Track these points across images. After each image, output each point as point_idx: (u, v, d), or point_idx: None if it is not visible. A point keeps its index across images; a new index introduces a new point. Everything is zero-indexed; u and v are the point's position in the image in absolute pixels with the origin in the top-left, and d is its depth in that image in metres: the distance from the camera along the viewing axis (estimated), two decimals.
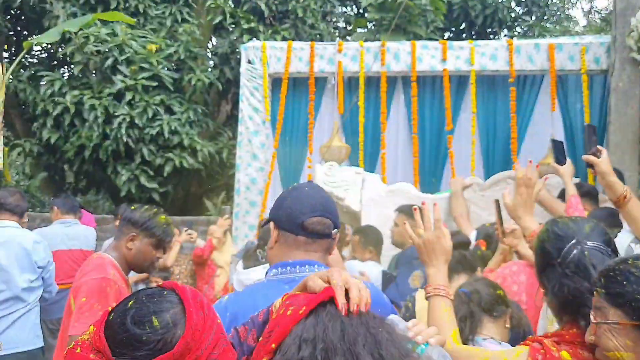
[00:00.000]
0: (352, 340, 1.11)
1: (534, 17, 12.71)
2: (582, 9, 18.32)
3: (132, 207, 3.06)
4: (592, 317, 1.34)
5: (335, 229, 1.87)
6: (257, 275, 3.03)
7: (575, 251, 1.58)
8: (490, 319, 2.33)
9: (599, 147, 2.61)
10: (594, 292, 1.37)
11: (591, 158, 2.54)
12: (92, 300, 2.59)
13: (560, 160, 3.47)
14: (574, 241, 1.60)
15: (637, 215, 2.42)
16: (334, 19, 11.56)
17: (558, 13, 14.04)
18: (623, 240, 2.53)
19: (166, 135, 8.70)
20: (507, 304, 2.39)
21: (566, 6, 14.88)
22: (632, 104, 5.79)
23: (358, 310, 1.16)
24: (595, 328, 1.32)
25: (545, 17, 13.23)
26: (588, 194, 3.94)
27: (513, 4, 11.39)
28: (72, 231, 5.70)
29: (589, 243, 1.59)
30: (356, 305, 1.17)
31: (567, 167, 3.45)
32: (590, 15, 18.28)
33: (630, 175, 5.68)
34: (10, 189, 5.42)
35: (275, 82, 7.28)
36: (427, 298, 1.96)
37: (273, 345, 1.16)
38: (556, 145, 3.54)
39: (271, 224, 1.89)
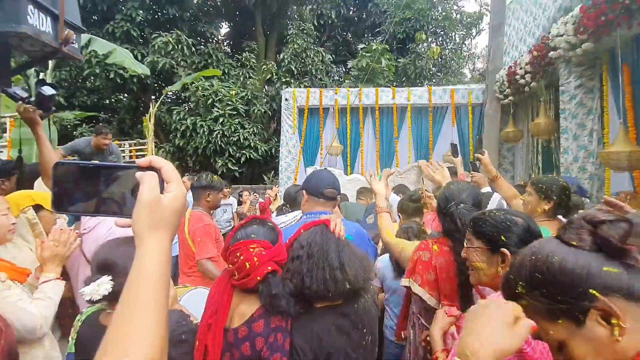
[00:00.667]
0: (326, 242, 1.17)
1: (441, 74, 12.61)
2: (469, 68, 18.08)
3: (196, 178, 2.80)
4: (465, 244, 1.24)
5: (338, 195, 1.84)
6: (282, 219, 2.80)
7: (452, 209, 1.50)
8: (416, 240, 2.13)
9: (483, 150, 2.68)
10: (467, 230, 1.26)
11: (479, 155, 2.58)
12: (205, 239, 2.47)
13: (455, 155, 3.43)
14: (452, 203, 1.51)
15: (503, 186, 2.36)
16: (333, 75, 11.51)
17: (455, 69, 13.88)
18: (497, 197, 2.41)
19: (242, 141, 8.78)
20: (425, 232, 2.19)
21: (460, 64, 14.66)
22: (495, 122, 5.80)
23: (336, 233, 1.22)
24: (466, 250, 1.23)
25: (448, 74, 13.10)
26: (455, 174, 3.83)
27: (431, 66, 11.27)
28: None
29: (461, 205, 1.50)
30: (335, 228, 1.24)
31: (459, 159, 3.40)
32: (473, 72, 18.07)
33: (492, 162, 5.74)
34: None
35: (300, 111, 7.29)
36: (377, 214, 1.97)
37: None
38: (453, 147, 3.55)
39: (303, 191, 1.82)
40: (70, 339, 1.22)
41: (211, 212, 2.75)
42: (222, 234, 5.96)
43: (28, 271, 1.45)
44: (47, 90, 1.88)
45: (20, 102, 1.83)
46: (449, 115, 6.68)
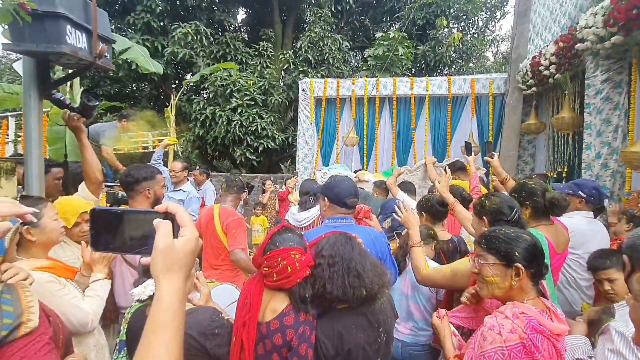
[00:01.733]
0: (347, 252, 1.30)
1: (463, 60, 12.22)
2: (492, 52, 17.34)
3: (233, 179, 2.93)
4: (476, 260, 1.28)
5: (357, 202, 1.88)
6: (304, 216, 2.77)
7: (516, 217, 1.59)
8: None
9: (493, 152, 2.67)
10: (477, 246, 1.31)
11: (488, 159, 2.59)
12: (239, 230, 2.59)
13: (468, 153, 3.34)
14: (516, 210, 1.60)
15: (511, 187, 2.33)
16: (350, 62, 11.35)
17: (477, 54, 13.35)
18: None
19: (259, 130, 8.83)
20: (433, 238, 2.17)
21: (483, 49, 14.10)
22: (517, 113, 5.67)
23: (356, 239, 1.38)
24: (480, 265, 1.26)
25: (470, 60, 12.65)
26: (461, 168, 3.76)
27: (451, 52, 10.91)
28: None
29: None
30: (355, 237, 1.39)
31: (472, 157, 3.30)
32: (496, 56, 17.31)
33: (512, 154, 5.66)
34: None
35: (318, 101, 7.30)
36: (410, 248, 1.86)
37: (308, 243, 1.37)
38: (467, 145, 3.49)
39: (324, 198, 1.85)
40: (121, 328, 1.39)
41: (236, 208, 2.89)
42: None
43: (76, 269, 1.60)
44: (92, 101, 1.98)
45: (65, 109, 1.95)
46: (468, 105, 6.54)
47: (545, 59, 4.63)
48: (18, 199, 1.54)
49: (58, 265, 1.54)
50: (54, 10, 1.57)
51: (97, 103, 2.01)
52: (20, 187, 2.12)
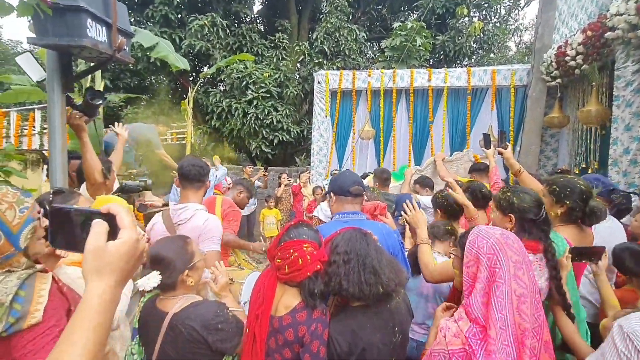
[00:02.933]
0: (363, 248, 1.28)
1: (483, 51, 11.82)
2: (515, 41, 16.69)
3: (243, 177, 3.04)
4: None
5: (363, 192, 1.84)
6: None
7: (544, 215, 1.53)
8: (438, 241, 2.06)
9: (506, 143, 2.56)
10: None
11: (500, 150, 2.48)
12: (235, 219, 2.71)
13: (487, 146, 3.17)
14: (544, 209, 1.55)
15: (527, 180, 2.23)
16: (367, 53, 11.18)
17: (499, 43, 12.90)
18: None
19: (275, 123, 8.85)
20: (451, 234, 2.09)
21: (505, 39, 13.61)
22: (540, 105, 5.50)
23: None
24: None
25: (490, 50, 12.25)
26: (477, 170, 3.67)
27: (472, 42, 10.57)
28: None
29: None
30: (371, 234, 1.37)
31: (491, 150, 3.14)
32: (519, 46, 16.65)
33: (534, 149, 5.48)
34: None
35: (333, 93, 7.22)
36: (418, 246, 1.85)
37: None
38: (485, 137, 3.35)
39: (331, 194, 1.85)
40: (134, 316, 1.44)
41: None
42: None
43: None
44: (96, 101, 1.98)
45: (68, 106, 1.94)
46: (488, 97, 6.33)
47: (572, 49, 4.43)
48: (51, 192, 1.54)
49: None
50: (75, 4, 1.59)
51: (101, 102, 1.99)
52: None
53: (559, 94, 5.23)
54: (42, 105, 6.50)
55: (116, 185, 2.50)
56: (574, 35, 4.49)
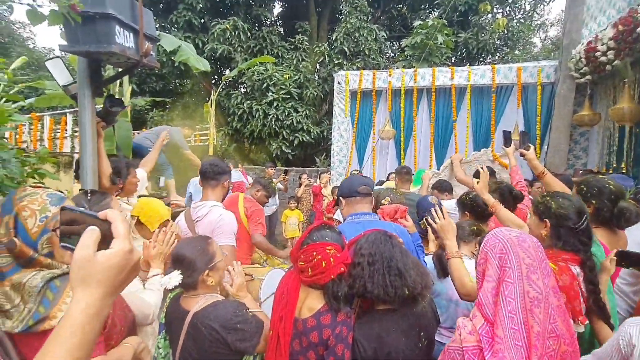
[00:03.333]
0: (388, 250, 1.26)
1: (507, 47, 11.44)
2: (540, 37, 16.04)
3: (263, 176, 3.06)
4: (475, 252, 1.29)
5: (372, 191, 1.79)
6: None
7: (585, 224, 1.41)
8: (463, 242, 1.91)
9: (529, 144, 2.46)
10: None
11: (523, 151, 2.39)
12: (260, 219, 2.74)
13: (507, 144, 3.05)
14: (585, 216, 1.42)
15: (551, 183, 2.12)
16: (387, 53, 11.07)
17: (524, 40, 12.44)
18: None
19: (295, 124, 8.92)
20: (477, 234, 1.94)
21: (530, 35, 13.13)
22: (568, 103, 5.27)
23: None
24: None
25: (515, 46, 11.83)
26: (441, 187, 3.37)
27: (495, 39, 10.27)
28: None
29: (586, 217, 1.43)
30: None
31: (511, 148, 2.99)
32: (544, 42, 16.00)
33: (563, 148, 5.26)
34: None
35: (353, 94, 7.19)
36: (448, 260, 1.67)
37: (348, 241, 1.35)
38: (505, 135, 3.21)
39: (341, 198, 1.81)
40: (161, 311, 1.48)
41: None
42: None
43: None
44: (115, 108, 1.99)
45: None
46: (514, 95, 6.13)
47: (603, 44, 4.21)
48: (89, 195, 1.58)
49: None
50: (104, 12, 1.64)
51: (120, 109, 2.01)
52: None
53: (589, 91, 4.99)
54: (73, 110, 6.80)
55: (143, 187, 2.56)
56: (604, 30, 4.28)
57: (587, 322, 1.36)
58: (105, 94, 2.00)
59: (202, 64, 4.57)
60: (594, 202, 1.65)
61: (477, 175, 2.91)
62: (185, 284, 1.35)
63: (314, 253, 1.24)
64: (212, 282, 1.38)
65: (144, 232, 1.94)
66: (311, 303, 1.26)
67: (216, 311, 1.27)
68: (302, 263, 1.27)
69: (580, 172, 3.80)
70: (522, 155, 2.39)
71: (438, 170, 5.11)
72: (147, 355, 1.11)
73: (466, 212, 2.25)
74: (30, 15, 1.47)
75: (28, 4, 1.47)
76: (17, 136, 7.37)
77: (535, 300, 0.98)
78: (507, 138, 3.07)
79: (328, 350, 1.18)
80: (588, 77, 4.81)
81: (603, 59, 4.25)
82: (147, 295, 1.44)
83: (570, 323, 1.07)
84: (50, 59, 2.01)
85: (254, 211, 2.73)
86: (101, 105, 2.04)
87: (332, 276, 1.22)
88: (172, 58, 4.48)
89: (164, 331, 1.44)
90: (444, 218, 1.75)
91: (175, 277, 1.32)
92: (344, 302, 1.24)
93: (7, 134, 7.20)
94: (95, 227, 0.58)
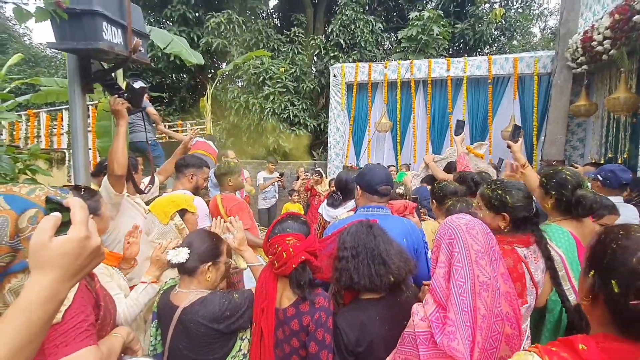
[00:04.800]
0: (370, 240, 1.29)
1: (505, 38, 11.33)
2: (539, 26, 15.84)
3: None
4: None
5: (391, 192, 1.83)
6: (339, 212, 2.54)
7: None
8: None
9: (518, 138, 2.47)
10: None
11: (510, 143, 2.40)
12: (241, 213, 2.59)
13: (456, 133, 3.08)
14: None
15: (530, 175, 2.08)
16: (384, 45, 10.97)
17: (522, 30, 12.32)
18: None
19: (292, 117, 8.88)
20: None
21: (528, 25, 13.00)
22: (565, 93, 5.26)
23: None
24: None
25: (513, 37, 11.70)
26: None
27: (492, 30, 10.17)
28: None
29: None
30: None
31: (459, 138, 3.05)
32: (543, 32, 15.82)
33: (559, 139, 5.26)
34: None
35: (349, 86, 7.20)
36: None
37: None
38: (457, 124, 3.14)
39: (357, 186, 1.83)
40: (155, 302, 1.51)
41: (236, 192, 2.89)
42: (266, 209, 6.26)
43: (119, 255, 1.68)
44: (137, 84, 1.89)
45: (116, 94, 1.90)
46: (510, 86, 6.13)
47: (599, 34, 4.20)
48: (82, 192, 1.55)
49: (106, 253, 1.61)
50: (90, 8, 1.64)
51: (143, 86, 1.90)
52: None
53: (586, 81, 4.98)
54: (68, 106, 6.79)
55: (155, 192, 2.54)
56: (601, 19, 4.25)
57: (527, 303, 1.43)
58: (129, 74, 1.92)
59: (194, 57, 4.55)
60: (553, 193, 1.69)
61: (448, 169, 3.06)
62: (185, 267, 1.37)
63: (276, 245, 1.29)
64: (209, 277, 1.41)
65: (190, 223, 1.92)
66: (289, 293, 1.30)
67: (204, 308, 1.30)
68: (270, 256, 1.32)
69: (554, 162, 3.78)
70: (508, 147, 2.42)
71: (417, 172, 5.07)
72: (136, 344, 1.13)
73: (434, 201, 2.33)
74: (16, 13, 1.47)
75: (13, 2, 1.47)
76: (15, 133, 7.36)
77: (484, 285, 1.02)
78: (458, 126, 3.10)
79: (309, 336, 1.23)
80: (585, 67, 4.80)
81: (599, 48, 4.23)
82: (123, 304, 1.45)
83: (518, 308, 1.11)
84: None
85: (233, 207, 2.66)
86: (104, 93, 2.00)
87: (294, 265, 1.25)
88: (165, 51, 4.44)
89: (155, 320, 1.47)
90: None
91: (183, 253, 1.35)
92: (310, 289, 1.28)
93: (3, 132, 7.20)
94: (57, 214, 0.59)
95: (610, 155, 4.51)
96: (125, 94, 1.91)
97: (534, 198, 1.56)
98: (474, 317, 0.98)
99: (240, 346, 1.34)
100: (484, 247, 1.07)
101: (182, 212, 1.90)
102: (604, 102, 4.36)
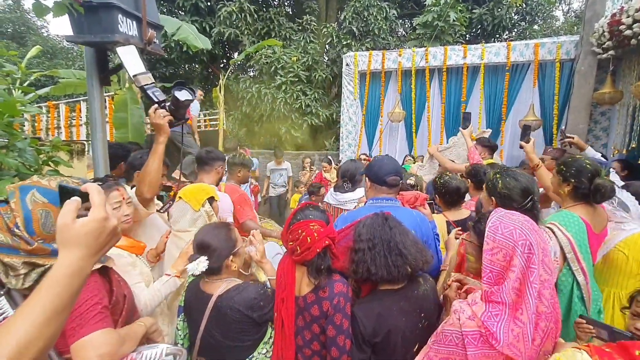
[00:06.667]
0: (386, 232, 1.30)
1: (526, 22, 10.89)
2: (562, 10, 15.15)
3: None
4: (465, 238, 1.33)
5: (401, 181, 1.81)
6: (349, 197, 2.58)
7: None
8: None
9: (530, 137, 2.42)
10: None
11: (522, 143, 2.38)
12: (243, 205, 2.72)
13: (464, 125, 3.05)
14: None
15: (543, 175, 2.19)
16: (398, 33, 10.73)
17: (544, 14, 11.83)
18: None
19: (304, 107, 8.84)
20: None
21: (551, 8, 12.46)
22: (589, 80, 5.08)
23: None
24: (466, 244, 1.32)
25: (534, 21, 11.23)
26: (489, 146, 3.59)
27: (512, 14, 9.80)
28: None
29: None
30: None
31: (467, 130, 3.02)
32: (567, 15, 15.13)
33: (582, 128, 5.09)
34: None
35: (362, 75, 7.11)
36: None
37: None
38: (464, 116, 3.12)
39: (366, 178, 1.83)
40: (182, 295, 1.56)
41: (240, 185, 3.02)
42: (276, 196, 6.33)
43: (143, 245, 1.70)
44: (181, 95, 1.63)
45: (155, 104, 1.62)
46: (530, 73, 5.93)
47: (628, 17, 4.00)
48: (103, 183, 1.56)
49: (131, 242, 1.63)
50: (106, 1, 1.65)
51: (189, 98, 1.63)
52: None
53: (612, 67, 4.78)
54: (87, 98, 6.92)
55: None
56: (630, 0, 4.05)
57: None
58: (174, 82, 1.66)
59: (201, 42, 4.55)
60: (572, 180, 1.75)
61: None
62: (211, 269, 1.40)
63: (300, 231, 1.31)
64: (235, 267, 1.45)
65: (216, 211, 2.04)
66: (308, 280, 1.33)
67: (241, 295, 1.34)
68: (292, 243, 1.34)
69: (549, 150, 3.64)
70: (521, 147, 2.41)
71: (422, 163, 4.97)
72: (158, 336, 1.17)
73: (436, 195, 2.31)
74: (35, 8, 1.50)
75: None
76: (36, 124, 7.56)
77: (545, 282, 1.02)
78: (466, 119, 3.05)
79: (327, 320, 1.26)
80: (611, 52, 4.60)
81: (628, 32, 4.04)
82: (145, 294, 1.49)
83: (557, 300, 1.10)
84: (122, 44, 1.68)
85: (237, 198, 2.72)
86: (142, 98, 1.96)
87: (318, 250, 1.28)
88: (175, 39, 4.46)
89: (182, 314, 1.51)
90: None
91: (203, 263, 1.37)
92: (327, 274, 1.31)
93: (26, 124, 7.40)
94: (77, 198, 0.65)
95: (633, 145, 4.34)
96: (168, 105, 1.64)
97: (535, 198, 1.55)
98: (537, 318, 0.99)
99: (271, 333, 1.40)
100: (544, 240, 1.06)
101: (210, 200, 2.01)
102: (631, 90, 4.17)
